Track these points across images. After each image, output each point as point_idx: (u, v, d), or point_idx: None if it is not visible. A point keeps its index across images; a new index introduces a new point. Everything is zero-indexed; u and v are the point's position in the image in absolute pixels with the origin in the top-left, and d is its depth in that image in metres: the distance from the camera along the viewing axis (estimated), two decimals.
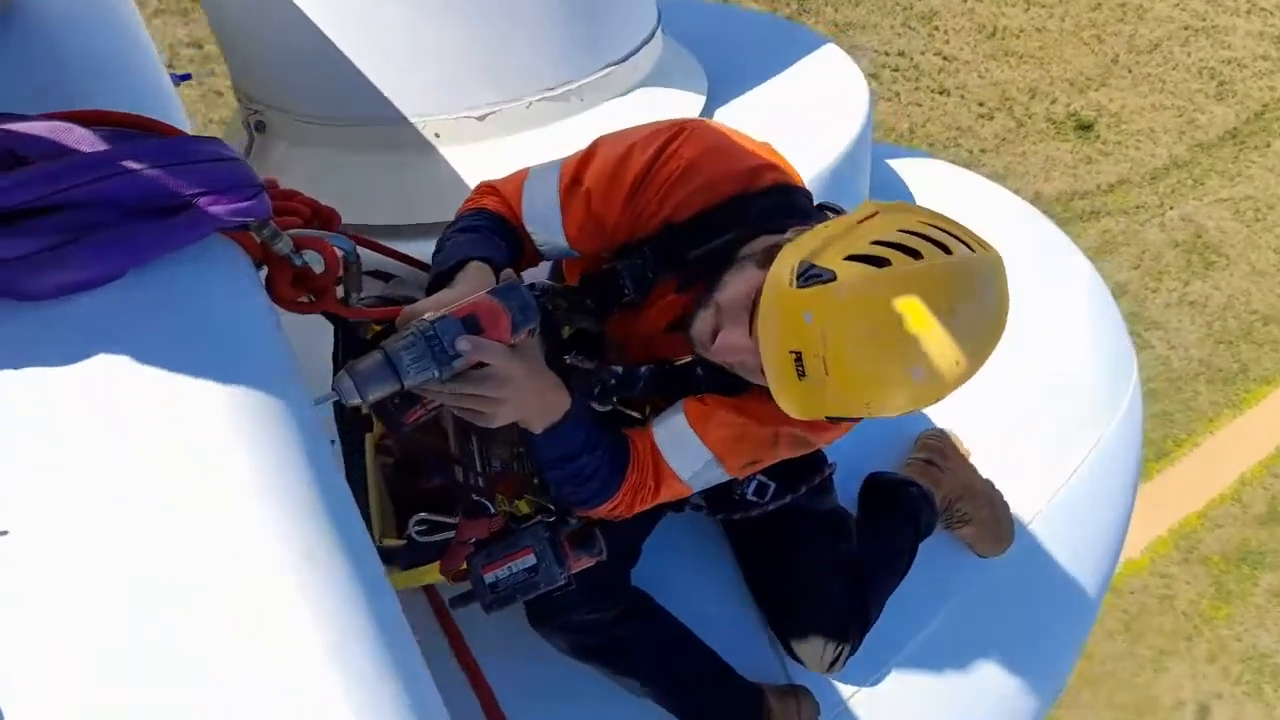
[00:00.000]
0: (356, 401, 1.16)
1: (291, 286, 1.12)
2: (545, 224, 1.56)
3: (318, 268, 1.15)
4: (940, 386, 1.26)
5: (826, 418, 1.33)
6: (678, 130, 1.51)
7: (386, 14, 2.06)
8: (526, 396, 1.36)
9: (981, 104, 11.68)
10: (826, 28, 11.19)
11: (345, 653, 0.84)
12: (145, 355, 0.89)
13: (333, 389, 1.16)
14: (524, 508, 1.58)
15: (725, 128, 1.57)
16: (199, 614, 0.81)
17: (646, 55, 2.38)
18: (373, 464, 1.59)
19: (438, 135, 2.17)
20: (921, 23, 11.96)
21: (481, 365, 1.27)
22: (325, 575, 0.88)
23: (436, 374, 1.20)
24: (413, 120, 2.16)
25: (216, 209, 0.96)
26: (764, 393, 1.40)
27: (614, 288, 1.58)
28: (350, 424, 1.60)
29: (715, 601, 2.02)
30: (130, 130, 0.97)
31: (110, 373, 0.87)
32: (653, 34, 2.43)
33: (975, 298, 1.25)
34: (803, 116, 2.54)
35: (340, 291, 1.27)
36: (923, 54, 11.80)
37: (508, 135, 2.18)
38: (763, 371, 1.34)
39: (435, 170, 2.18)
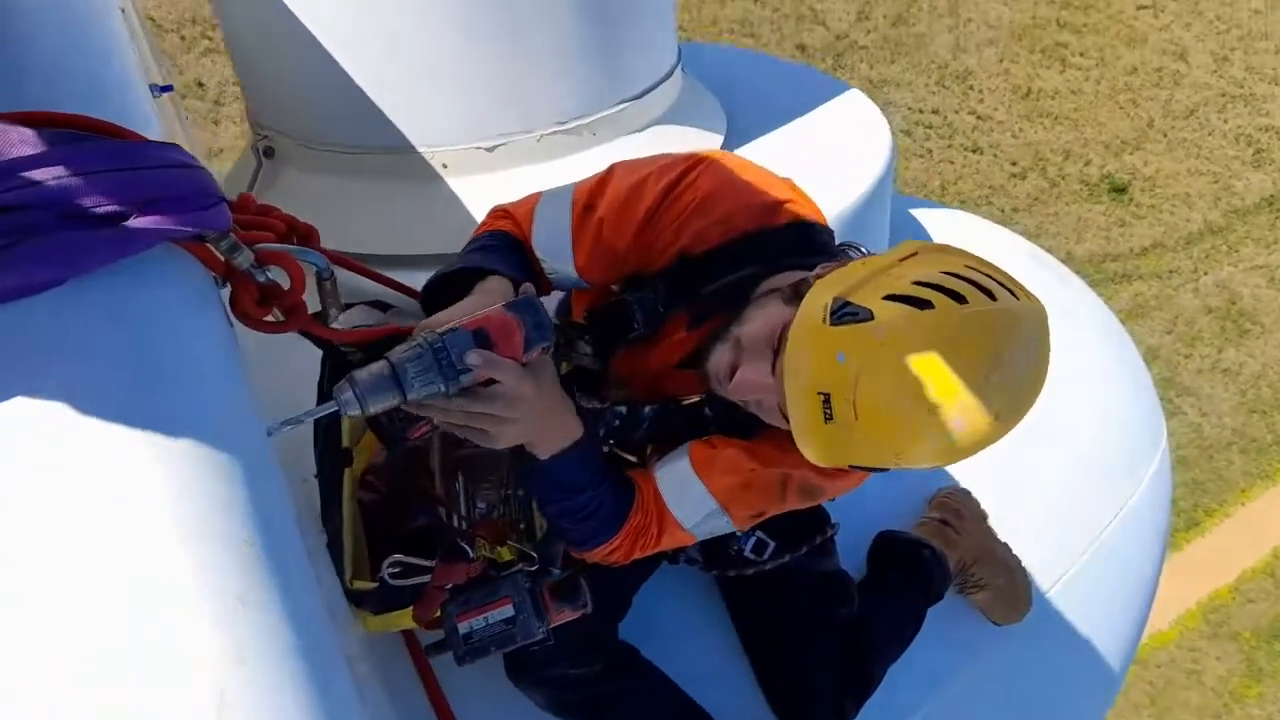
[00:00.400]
0: (356, 413, 1.09)
1: (257, 304, 1.06)
2: (555, 251, 1.50)
3: (286, 285, 1.08)
4: (976, 440, 1.17)
5: (850, 466, 1.24)
6: (696, 161, 1.46)
7: (398, 43, 2.03)
8: (536, 418, 1.28)
9: (1014, 163, 11.61)
10: (860, 84, 11.20)
11: (262, 698, 0.76)
12: (73, 370, 0.83)
13: (333, 398, 1.09)
14: (506, 555, 1.49)
15: (746, 161, 1.51)
16: (105, 657, 0.73)
17: (664, 92, 2.34)
18: (349, 501, 1.51)
19: (445, 165, 2.13)
20: (956, 81, 11.95)
21: (491, 382, 1.20)
22: (254, 622, 0.81)
23: (443, 388, 1.13)
24: (421, 150, 2.12)
25: (166, 218, 0.90)
26: (778, 435, 1.32)
27: (623, 321, 1.51)
28: (330, 458, 1.53)
29: (707, 659, 1.91)
30: (80, 132, 0.91)
31: (33, 386, 0.80)
32: (671, 72, 2.38)
33: (1019, 348, 1.17)
34: (823, 157, 2.50)
35: (322, 310, 1.21)
36: (956, 112, 11.78)
37: (517, 167, 2.13)
38: (783, 412, 1.26)
39: (442, 201, 2.13)
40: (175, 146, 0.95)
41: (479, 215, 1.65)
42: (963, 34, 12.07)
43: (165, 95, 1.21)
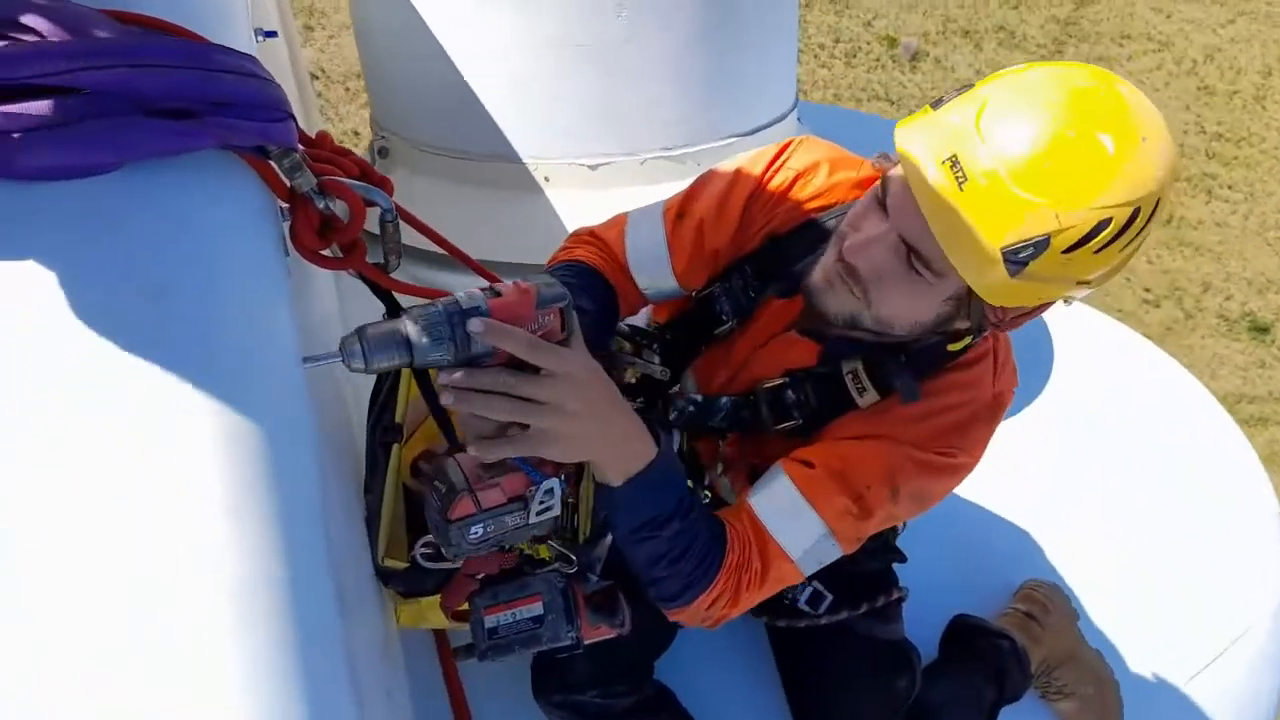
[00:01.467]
0: (360, 366, 1.01)
1: (316, 235, 1.04)
2: (653, 264, 1.48)
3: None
4: (1141, 167, 1.08)
5: (1004, 251, 1.09)
6: (785, 144, 1.45)
7: (512, 57, 2.06)
8: (592, 420, 1.05)
9: (1149, 290, 11.15)
10: None
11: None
12: (107, 263, 0.81)
13: (339, 348, 0.99)
14: (544, 553, 1.42)
15: (834, 145, 1.49)
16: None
17: (774, 134, 2.31)
18: (394, 476, 1.47)
19: (547, 179, 2.14)
20: None
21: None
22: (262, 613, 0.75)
23: (450, 357, 1.04)
24: (526, 161, 2.14)
25: (230, 121, 0.89)
26: (868, 418, 1.31)
27: (709, 316, 1.46)
28: (380, 429, 1.50)
29: (745, 713, 1.78)
30: (153, 30, 0.92)
31: (61, 274, 0.79)
32: (784, 116, 2.36)
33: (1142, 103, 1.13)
34: None
35: (384, 259, 1.19)
36: None
37: (616, 188, 2.13)
38: (910, 254, 1.18)
39: (540, 213, 2.14)
40: (250, 57, 0.94)
41: (574, 229, 1.62)
42: None
43: (270, 40, 1.22)
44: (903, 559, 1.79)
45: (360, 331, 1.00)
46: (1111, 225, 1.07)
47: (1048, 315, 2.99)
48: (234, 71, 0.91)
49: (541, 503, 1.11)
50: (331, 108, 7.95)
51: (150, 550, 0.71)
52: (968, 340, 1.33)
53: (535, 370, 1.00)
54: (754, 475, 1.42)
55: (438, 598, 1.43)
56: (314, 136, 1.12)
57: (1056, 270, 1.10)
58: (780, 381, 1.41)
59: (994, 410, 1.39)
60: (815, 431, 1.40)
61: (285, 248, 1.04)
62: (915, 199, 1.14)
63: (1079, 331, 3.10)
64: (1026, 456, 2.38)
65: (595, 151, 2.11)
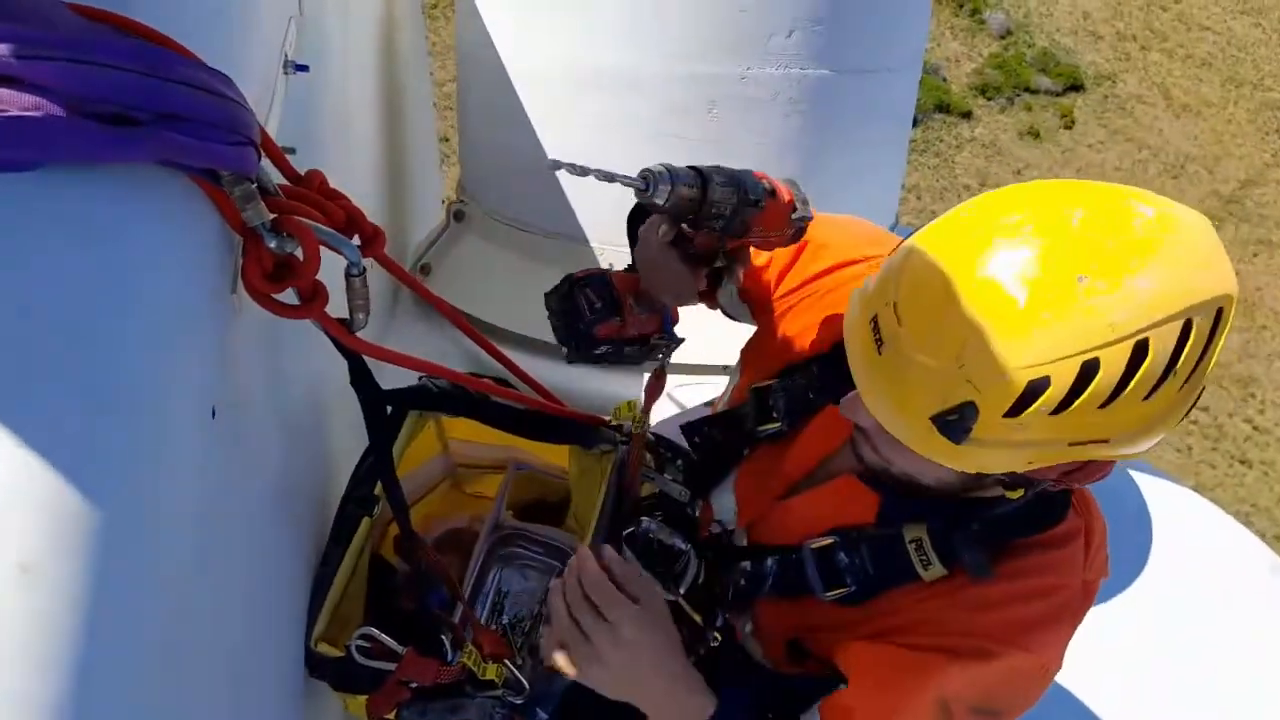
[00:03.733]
0: (666, 189, 1.09)
1: (267, 278, 0.94)
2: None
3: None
4: (1081, 313, 0.87)
5: (932, 419, 0.93)
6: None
7: (601, 141, 1.99)
8: (631, 669, 1.11)
9: None
10: None
11: None
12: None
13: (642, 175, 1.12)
14: (491, 673, 1.26)
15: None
16: None
17: None
18: (355, 553, 1.34)
19: (611, 265, 2.04)
20: (1236, 385, 10.93)
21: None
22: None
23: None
24: (591, 244, 2.05)
25: (175, 137, 0.80)
26: (915, 609, 1.12)
27: (760, 412, 1.30)
28: (355, 498, 1.38)
29: None
30: (123, 31, 0.85)
31: None
32: None
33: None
34: None
35: (349, 314, 1.08)
36: (1230, 416, 10.71)
37: None
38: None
39: None
40: (220, 75, 0.86)
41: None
42: (1255, 339, 11.11)
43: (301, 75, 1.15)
44: None
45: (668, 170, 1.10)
46: (1053, 385, 0.88)
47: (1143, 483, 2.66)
48: (192, 85, 0.82)
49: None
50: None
51: None
52: (1021, 492, 1.09)
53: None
54: (791, 650, 1.23)
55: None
56: (302, 174, 1.02)
57: (1021, 434, 0.91)
58: (830, 541, 1.20)
59: (1083, 602, 1.15)
60: (869, 599, 1.18)
61: (234, 284, 0.95)
62: None
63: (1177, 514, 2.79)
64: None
65: None
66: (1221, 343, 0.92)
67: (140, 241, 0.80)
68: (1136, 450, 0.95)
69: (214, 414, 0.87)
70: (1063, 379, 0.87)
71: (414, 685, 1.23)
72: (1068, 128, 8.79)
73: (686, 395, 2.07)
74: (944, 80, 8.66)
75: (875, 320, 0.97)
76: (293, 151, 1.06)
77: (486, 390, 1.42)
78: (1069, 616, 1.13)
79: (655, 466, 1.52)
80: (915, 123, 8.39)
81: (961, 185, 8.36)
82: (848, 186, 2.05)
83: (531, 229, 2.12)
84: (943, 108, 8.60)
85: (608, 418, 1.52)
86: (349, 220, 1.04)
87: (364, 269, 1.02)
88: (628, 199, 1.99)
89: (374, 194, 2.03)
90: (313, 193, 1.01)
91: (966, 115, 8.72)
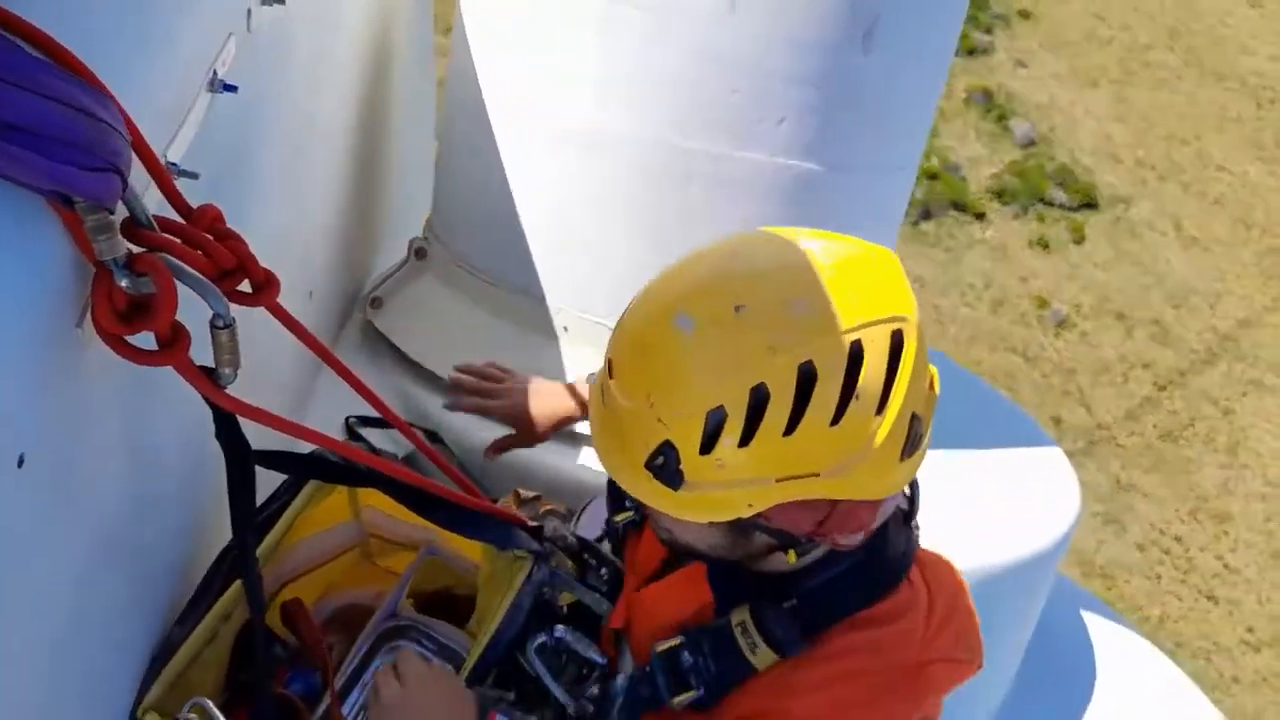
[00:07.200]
0: None
1: (119, 318, 0.85)
2: None
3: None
4: (742, 339, 0.94)
5: (646, 467, 0.98)
6: None
7: (572, 205, 1.94)
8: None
9: (1251, 630, 10.18)
10: (1107, 480, 10.36)
11: None
12: None
13: None
14: None
15: None
16: None
17: None
18: (217, 616, 1.23)
19: (565, 329, 1.96)
20: (1212, 520, 10.80)
21: None
22: None
23: None
24: (550, 304, 1.97)
25: (13, 150, 0.72)
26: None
27: (615, 502, 1.32)
28: (232, 556, 1.28)
29: None
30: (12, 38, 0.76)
31: None
32: None
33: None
34: (996, 498, 2.17)
35: (215, 366, 0.99)
36: (1202, 550, 10.57)
37: None
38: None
39: (546, 359, 1.95)
40: (93, 92, 0.78)
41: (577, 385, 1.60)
42: (1235, 477, 11.01)
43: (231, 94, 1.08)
44: None
45: None
46: (730, 414, 0.93)
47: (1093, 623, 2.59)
48: (53, 97, 0.74)
49: None
50: None
51: None
52: (792, 557, 1.08)
53: None
54: None
55: None
56: (194, 208, 0.94)
57: (726, 473, 0.96)
58: (676, 642, 1.14)
59: (913, 683, 1.10)
60: (717, 702, 1.12)
61: (81, 318, 0.86)
62: None
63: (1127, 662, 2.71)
64: None
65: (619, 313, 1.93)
66: (909, 369, 0.96)
67: None
68: (868, 489, 0.99)
69: (21, 462, 0.78)
70: (737, 407, 0.93)
71: None
72: (1077, 243, 8.82)
73: None
74: (963, 179, 8.70)
75: (601, 385, 1.04)
76: (194, 176, 0.98)
77: (387, 470, 1.29)
78: (892, 699, 1.09)
79: (578, 574, 1.42)
80: (928, 216, 8.39)
81: (966, 284, 8.35)
82: None
83: (492, 280, 2.04)
84: (958, 205, 8.63)
85: (532, 519, 1.42)
86: (239, 264, 0.96)
87: (231, 321, 0.93)
88: (597, 266, 1.93)
89: (331, 222, 1.96)
90: (197, 230, 0.93)
91: (980, 216, 8.74)
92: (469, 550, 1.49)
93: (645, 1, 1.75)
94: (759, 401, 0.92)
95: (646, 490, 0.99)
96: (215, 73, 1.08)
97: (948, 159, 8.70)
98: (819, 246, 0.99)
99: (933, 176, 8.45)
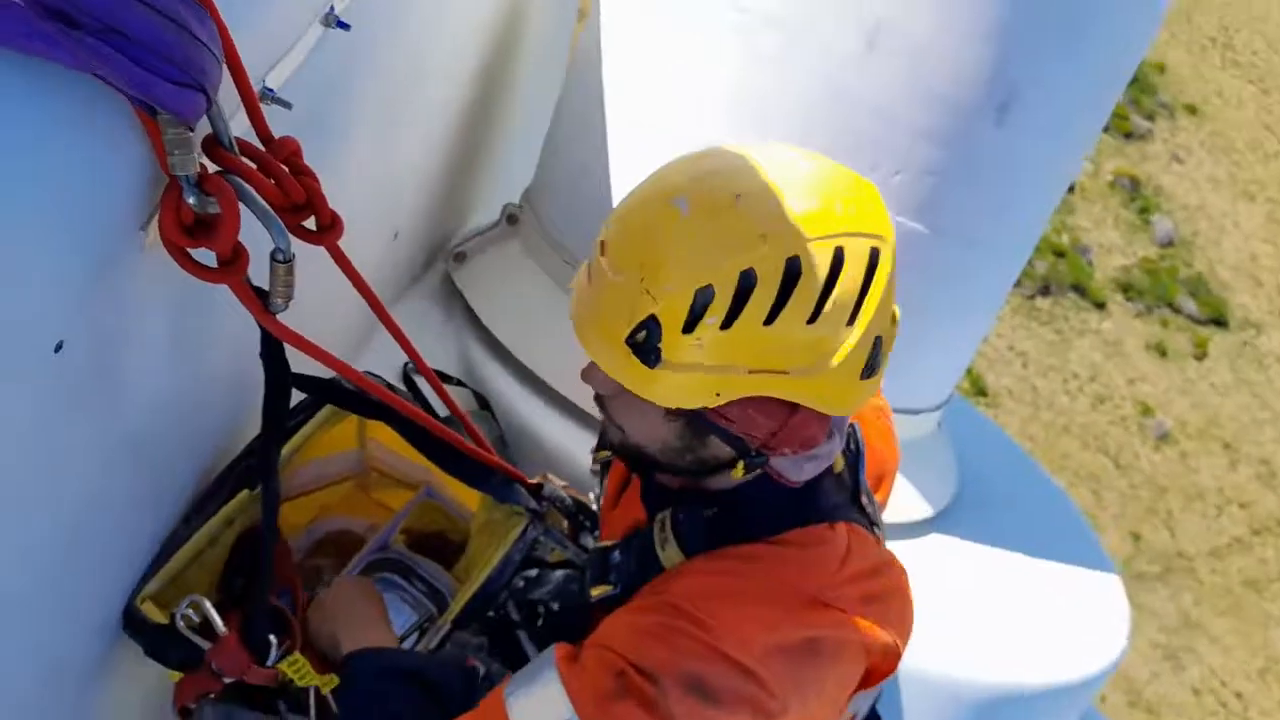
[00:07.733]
0: None
1: (183, 231, 0.86)
2: None
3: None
4: (735, 226, 0.98)
5: (626, 343, 1.00)
6: None
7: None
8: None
9: None
10: (1176, 613, 9.84)
11: None
12: None
13: None
14: (313, 679, 1.18)
15: None
16: None
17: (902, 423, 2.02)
18: (220, 521, 1.27)
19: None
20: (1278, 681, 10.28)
21: None
22: None
23: None
24: None
25: (106, 51, 0.74)
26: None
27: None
28: (243, 465, 1.31)
29: None
30: None
31: None
32: (923, 410, 2.07)
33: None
34: (1040, 615, 2.09)
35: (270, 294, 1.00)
36: (1263, 716, 10.01)
37: None
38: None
39: None
40: (200, 11, 0.79)
41: None
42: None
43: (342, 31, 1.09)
44: None
45: None
46: (718, 294, 0.96)
47: None
48: (154, 8, 0.75)
49: None
50: None
51: None
52: (740, 470, 1.12)
53: None
54: None
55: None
56: (276, 138, 0.95)
57: (701, 354, 0.99)
58: (610, 544, 1.23)
59: (799, 606, 1.09)
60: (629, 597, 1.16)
61: (147, 222, 0.88)
62: None
63: None
64: None
65: None
66: (881, 288, 1.01)
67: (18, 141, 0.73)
68: (828, 401, 1.03)
69: (59, 348, 0.80)
70: (725, 287, 0.96)
71: (223, 675, 1.15)
72: (1198, 358, 8.42)
73: None
74: (1090, 263, 8.38)
75: (589, 265, 1.07)
76: (288, 106, 1.00)
77: (400, 406, 1.33)
78: (770, 606, 1.08)
79: (570, 534, 1.50)
80: (1046, 293, 8.11)
81: (1071, 371, 8.05)
82: (902, 351, 1.92)
83: (575, 262, 2.04)
84: (1079, 289, 8.31)
85: (535, 479, 1.46)
86: (308, 199, 0.97)
87: (291, 256, 0.94)
88: None
89: (430, 167, 1.97)
90: (274, 160, 0.94)
91: (1100, 306, 8.42)
92: (466, 498, 1.54)
93: (786, 24, 1.72)
94: (746, 286, 0.97)
95: (621, 366, 1.01)
96: (333, 7, 1.09)
97: (1079, 239, 8.39)
98: (822, 162, 1.06)
99: (1059, 254, 8.16)
